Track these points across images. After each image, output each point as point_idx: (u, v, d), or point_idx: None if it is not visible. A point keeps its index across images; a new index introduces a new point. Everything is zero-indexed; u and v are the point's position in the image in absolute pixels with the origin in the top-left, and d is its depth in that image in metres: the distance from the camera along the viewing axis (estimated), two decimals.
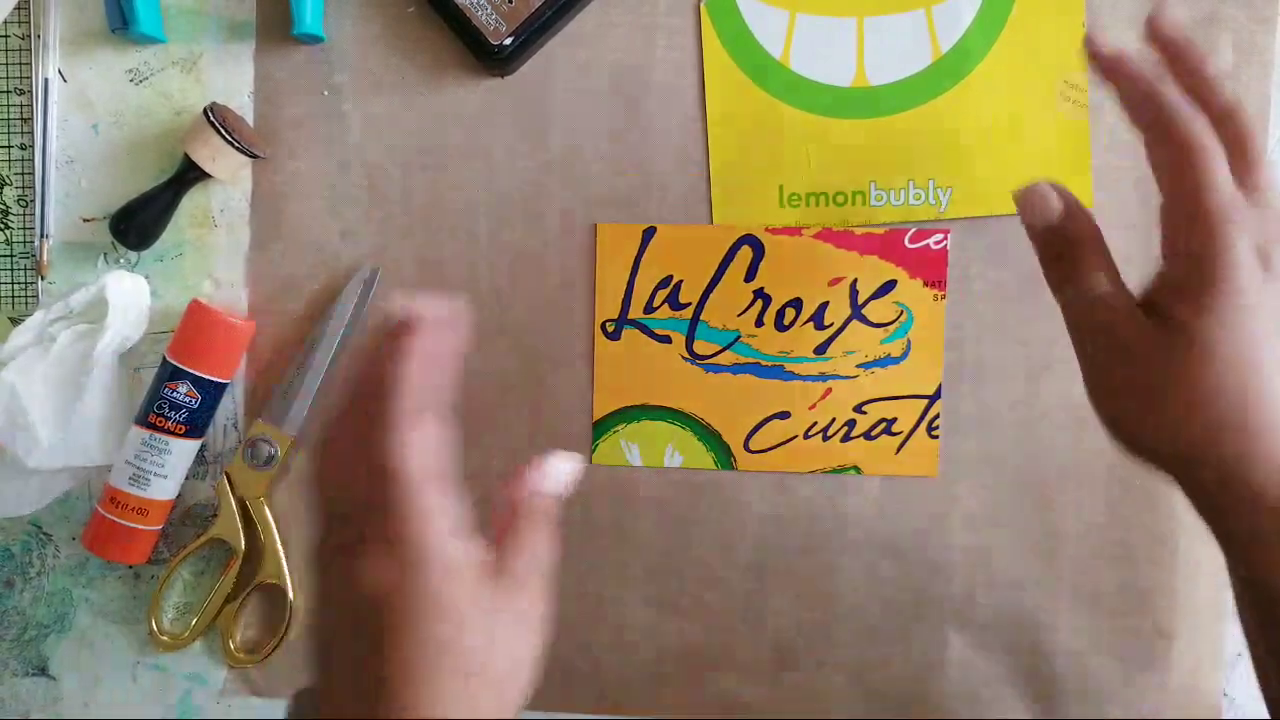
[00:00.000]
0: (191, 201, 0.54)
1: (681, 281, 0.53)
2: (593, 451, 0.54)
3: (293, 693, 0.37)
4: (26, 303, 0.55)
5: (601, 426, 0.53)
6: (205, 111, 0.51)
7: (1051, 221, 0.40)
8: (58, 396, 0.51)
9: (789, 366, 0.53)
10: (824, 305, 0.53)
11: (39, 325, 0.51)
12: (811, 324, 0.53)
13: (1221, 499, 0.38)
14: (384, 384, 0.34)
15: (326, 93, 0.53)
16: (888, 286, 0.52)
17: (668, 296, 0.53)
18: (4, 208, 0.54)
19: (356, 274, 0.53)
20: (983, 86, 0.52)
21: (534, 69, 0.53)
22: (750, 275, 0.52)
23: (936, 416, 0.53)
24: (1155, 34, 0.39)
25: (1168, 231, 0.38)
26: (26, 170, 0.54)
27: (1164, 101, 0.37)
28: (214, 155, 0.51)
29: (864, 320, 0.53)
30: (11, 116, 0.54)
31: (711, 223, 0.52)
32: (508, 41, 0.51)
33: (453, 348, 0.35)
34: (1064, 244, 0.40)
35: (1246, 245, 0.36)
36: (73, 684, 0.55)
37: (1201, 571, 0.53)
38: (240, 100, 0.54)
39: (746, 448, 0.53)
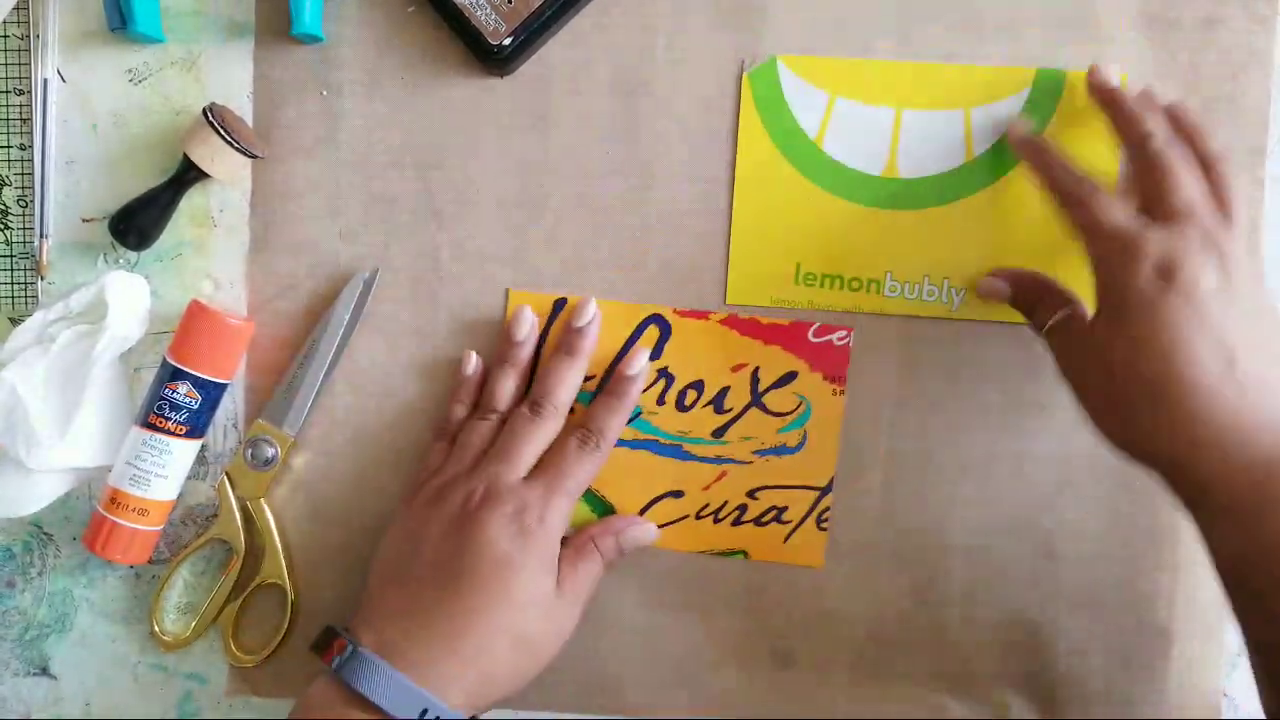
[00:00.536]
0: (191, 202, 0.54)
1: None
2: None
3: (325, 626, 0.47)
4: (26, 303, 0.55)
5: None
6: (204, 112, 0.51)
7: (1008, 297, 0.50)
8: (58, 397, 0.51)
9: (687, 446, 0.53)
10: (725, 390, 0.53)
11: (39, 326, 0.51)
12: (711, 407, 0.53)
13: (1186, 493, 0.43)
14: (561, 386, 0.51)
15: (325, 93, 0.53)
16: (788, 377, 0.53)
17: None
18: (3, 208, 0.54)
19: (356, 275, 0.53)
20: (1011, 195, 0.52)
21: (533, 69, 0.53)
22: (656, 354, 0.53)
23: (827, 509, 0.53)
24: (1092, 86, 0.50)
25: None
26: (26, 170, 0.54)
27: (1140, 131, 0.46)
28: (213, 155, 0.51)
29: (763, 408, 0.53)
30: (11, 117, 0.54)
31: (724, 300, 0.53)
32: (507, 41, 0.51)
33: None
34: (1031, 298, 0.49)
35: (1142, 264, 0.42)
36: (73, 684, 0.56)
37: (1201, 571, 0.53)
38: (239, 100, 0.54)
39: None
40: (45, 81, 0.53)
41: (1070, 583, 0.53)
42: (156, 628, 0.54)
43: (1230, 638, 0.53)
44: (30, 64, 0.53)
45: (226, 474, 0.54)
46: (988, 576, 0.54)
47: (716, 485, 0.53)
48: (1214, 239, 0.42)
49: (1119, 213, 0.43)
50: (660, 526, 0.53)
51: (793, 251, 0.52)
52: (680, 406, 0.53)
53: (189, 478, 0.54)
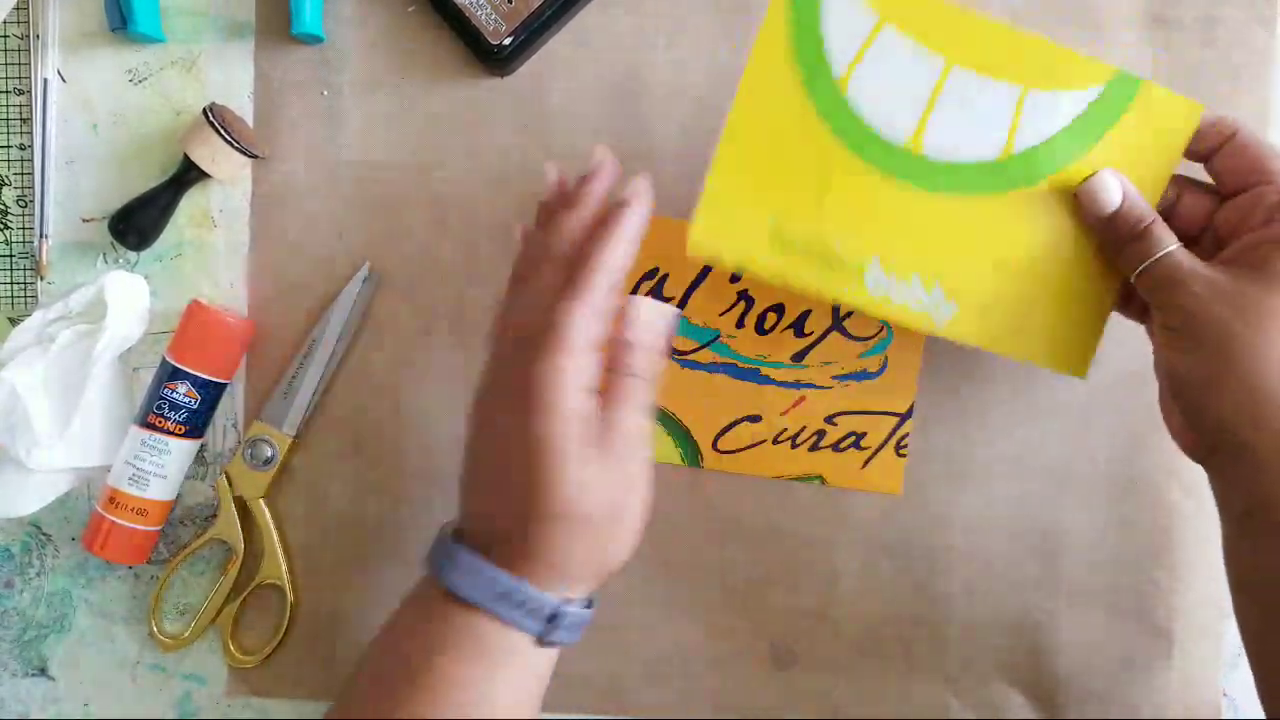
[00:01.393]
0: (191, 202, 0.54)
1: (667, 275, 0.53)
2: None
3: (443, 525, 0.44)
4: (26, 303, 0.55)
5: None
6: (205, 111, 0.51)
7: (1110, 210, 0.43)
8: (57, 397, 0.51)
9: (765, 371, 0.53)
10: (806, 313, 0.52)
11: (38, 325, 0.51)
12: (791, 330, 0.52)
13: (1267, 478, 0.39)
14: (591, 251, 0.41)
15: (326, 93, 0.53)
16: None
17: (652, 289, 0.53)
18: (3, 208, 0.54)
19: (355, 274, 0.53)
20: (1036, 205, 0.44)
21: (533, 69, 0.53)
22: (736, 276, 0.52)
23: (906, 435, 0.53)
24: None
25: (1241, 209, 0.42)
26: (26, 170, 0.54)
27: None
28: (213, 155, 0.51)
29: (844, 333, 0.52)
30: (11, 116, 0.54)
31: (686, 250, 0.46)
32: (507, 41, 0.51)
33: (643, 232, 0.43)
34: (1128, 227, 0.42)
35: None
36: (72, 684, 0.55)
37: (1201, 572, 0.53)
38: (240, 100, 0.54)
39: (715, 447, 0.53)
40: (45, 81, 0.53)
41: (1070, 583, 0.53)
42: (155, 628, 0.54)
43: (1230, 638, 0.53)
44: (30, 64, 0.53)
45: (226, 474, 0.54)
46: (988, 576, 0.54)
47: (794, 410, 0.53)
48: None
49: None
50: (736, 452, 0.53)
51: (773, 205, 0.44)
52: (760, 330, 0.52)
53: (188, 478, 0.54)
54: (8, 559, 0.55)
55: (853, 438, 0.53)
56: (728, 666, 0.54)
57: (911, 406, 0.53)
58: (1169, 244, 0.41)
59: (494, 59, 0.51)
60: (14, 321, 0.54)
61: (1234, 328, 0.39)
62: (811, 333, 0.52)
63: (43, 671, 0.56)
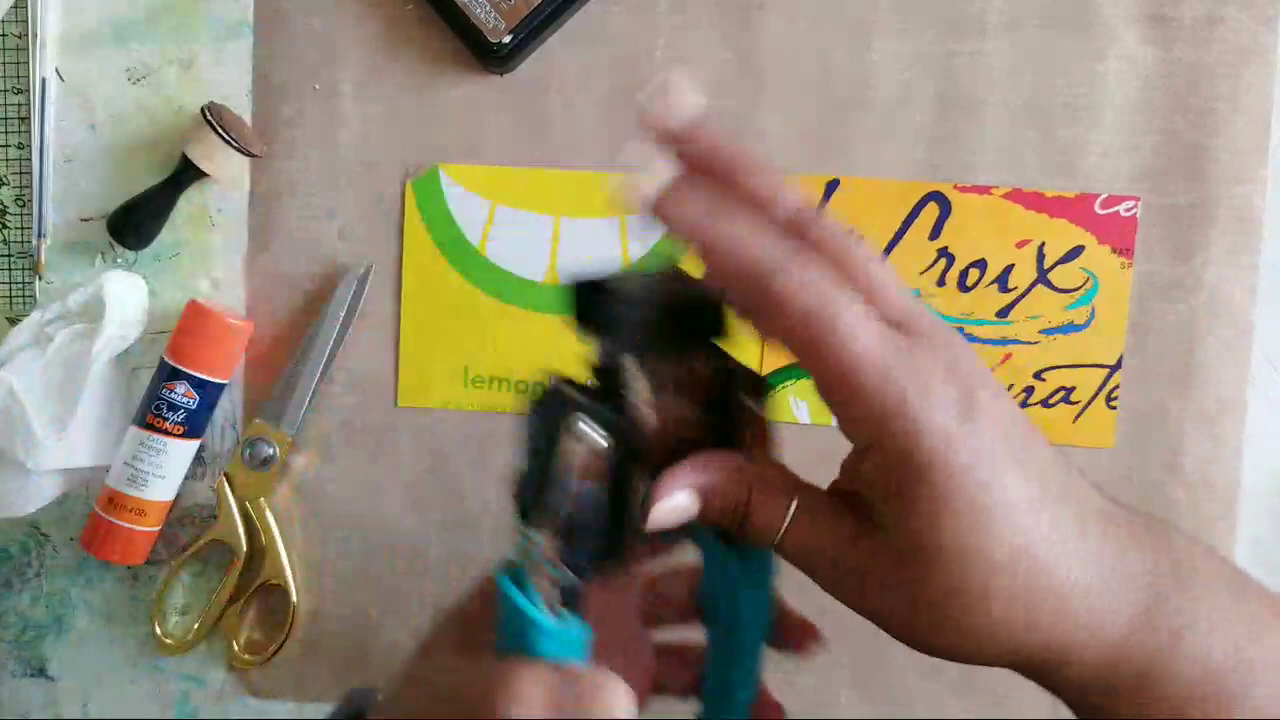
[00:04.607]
0: (189, 201, 0.54)
1: (863, 236, 0.51)
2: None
3: (347, 691, 0.37)
4: (24, 303, 0.54)
5: (772, 381, 0.52)
6: (203, 111, 0.51)
7: (694, 515, 0.30)
8: (55, 397, 0.50)
9: (969, 329, 0.51)
10: (1009, 267, 0.51)
11: (36, 325, 0.51)
12: (995, 285, 0.51)
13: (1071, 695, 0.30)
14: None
15: (324, 91, 0.53)
16: (1075, 252, 0.51)
17: None
18: (1, 207, 0.54)
19: (350, 272, 0.53)
20: None
21: (533, 67, 0.53)
22: (935, 233, 0.50)
23: (1116, 386, 0.51)
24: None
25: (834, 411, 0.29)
26: (24, 170, 0.54)
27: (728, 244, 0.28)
28: (212, 155, 0.51)
29: (1049, 285, 0.51)
30: (9, 116, 0.54)
31: (395, 402, 0.53)
32: (506, 39, 0.51)
33: None
34: (730, 501, 0.30)
35: (927, 398, 0.27)
36: (71, 685, 0.55)
37: None
38: (238, 99, 0.53)
39: None
40: (44, 80, 0.53)
41: None
42: (158, 630, 0.54)
43: None
44: (28, 63, 0.53)
45: (226, 475, 0.53)
46: None
47: (1002, 367, 0.52)
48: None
49: (873, 328, 0.27)
50: None
51: (460, 355, 0.53)
52: (962, 287, 0.51)
53: (187, 478, 0.54)
54: (6, 559, 0.55)
55: (1062, 392, 0.51)
56: None
57: (1120, 357, 0.51)
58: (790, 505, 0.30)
59: (493, 57, 0.51)
60: (12, 321, 0.54)
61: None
62: (1015, 287, 0.51)
63: (41, 672, 0.55)
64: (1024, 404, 0.52)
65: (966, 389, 0.27)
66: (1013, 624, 0.28)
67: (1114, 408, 0.52)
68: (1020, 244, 0.51)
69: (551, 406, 0.28)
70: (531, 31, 0.51)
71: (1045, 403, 0.52)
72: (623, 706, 0.27)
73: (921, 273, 0.51)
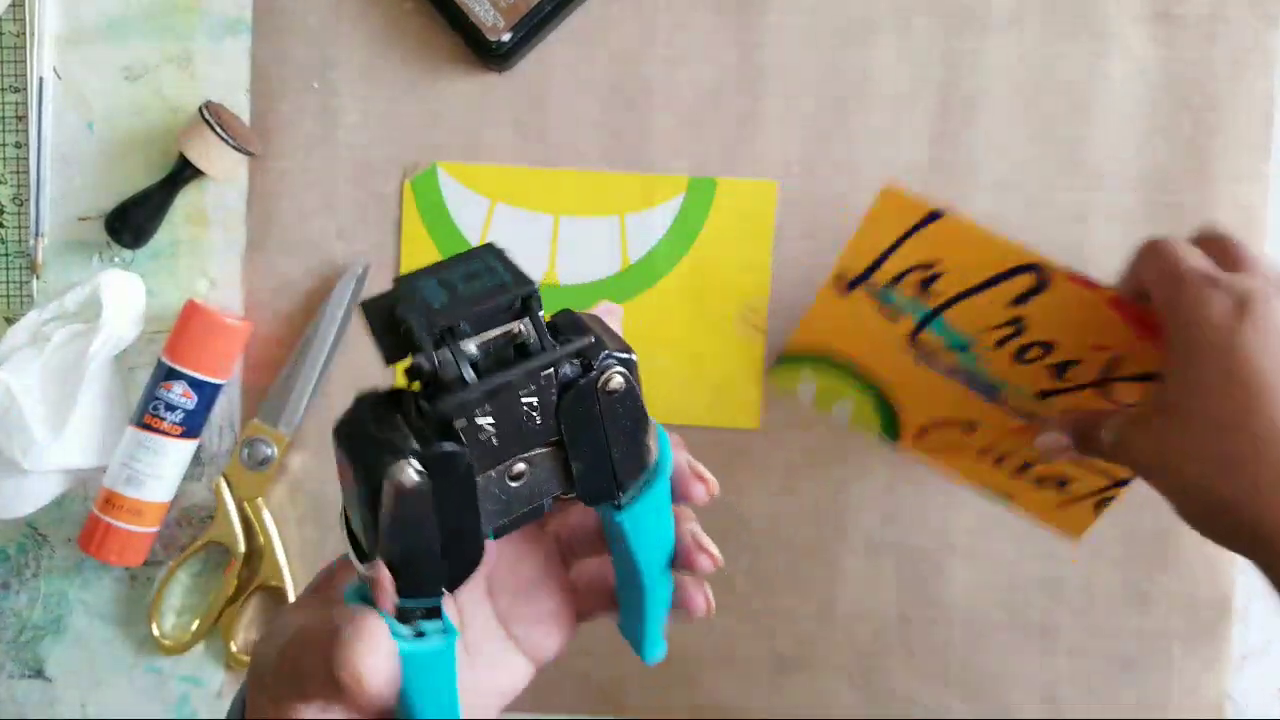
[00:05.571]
0: (187, 200, 0.53)
1: (943, 273, 0.47)
2: (771, 370, 0.53)
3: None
4: (21, 302, 0.54)
5: (790, 359, 0.51)
6: (200, 109, 0.51)
7: (1069, 447, 0.45)
8: (53, 397, 0.50)
9: (1003, 393, 0.49)
10: (1073, 362, 0.47)
11: (33, 325, 0.51)
12: (1053, 370, 0.47)
13: None
14: None
15: (322, 90, 0.53)
16: (1149, 376, 0.46)
17: (923, 280, 0.47)
18: None
19: (349, 271, 0.53)
20: (666, 299, 0.53)
21: (532, 65, 0.53)
22: (1020, 301, 0.46)
23: (1113, 498, 0.49)
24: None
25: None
26: (21, 169, 0.54)
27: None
28: (209, 153, 0.51)
29: (1105, 394, 0.47)
30: (6, 114, 0.54)
31: None
32: (506, 37, 0.50)
33: None
34: (1084, 429, 0.44)
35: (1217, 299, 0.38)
36: (69, 686, 0.55)
37: (1201, 571, 0.53)
38: (236, 98, 0.53)
39: (918, 435, 0.51)
40: (41, 79, 0.53)
41: (1072, 584, 0.53)
42: (156, 631, 0.54)
43: (1232, 638, 0.53)
44: (26, 61, 0.53)
45: (224, 475, 0.53)
46: (989, 577, 0.53)
47: (1015, 436, 0.49)
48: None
49: (1196, 258, 0.40)
50: (940, 450, 0.51)
51: None
52: (1020, 359, 0.47)
53: (185, 479, 0.53)
54: (4, 560, 0.55)
55: (1057, 480, 0.50)
56: (728, 668, 0.54)
57: (1131, 476, 0.48)
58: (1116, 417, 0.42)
59: (493, 55, 0.51)
60: (9, 321, 0.54)
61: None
62: (1070, 380, 0.47)
63: (39, 673, 0.55)
64: (1018, 472, 0.50)
65: (1241, 300, 0.38)
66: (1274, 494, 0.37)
67: (1099, 511, 0.50)
68: (1097, 347, 0.47)
69: (361, 442, 0.27)
70: (531, 30, 0.50)
71: (1038, 480, 0.50)
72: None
73: (987, 329, 0.47)
